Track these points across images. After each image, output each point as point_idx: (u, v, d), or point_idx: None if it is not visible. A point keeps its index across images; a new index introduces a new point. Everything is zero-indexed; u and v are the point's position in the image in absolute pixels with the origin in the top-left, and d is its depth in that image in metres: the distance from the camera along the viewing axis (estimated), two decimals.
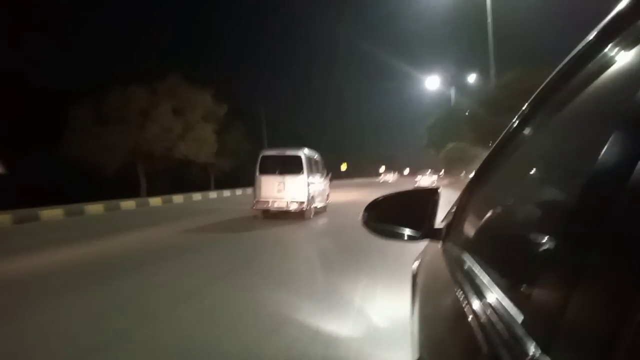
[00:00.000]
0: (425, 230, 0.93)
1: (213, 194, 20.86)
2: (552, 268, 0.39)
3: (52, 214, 10.88)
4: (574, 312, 0.31)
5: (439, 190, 0.98)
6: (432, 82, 27.83)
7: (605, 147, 0.33)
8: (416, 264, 1.28)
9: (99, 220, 10.36)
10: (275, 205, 8.75)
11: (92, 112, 17.99)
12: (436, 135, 28.73)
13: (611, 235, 0.29)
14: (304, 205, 8.68)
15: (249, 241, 6.32)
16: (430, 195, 0.96)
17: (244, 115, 28.54)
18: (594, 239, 0.30)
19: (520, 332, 0.39)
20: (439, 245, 0.99)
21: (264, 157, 9.05)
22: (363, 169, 67.46)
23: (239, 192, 23.29)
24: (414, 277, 1.23)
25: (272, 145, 20.00)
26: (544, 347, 0.34)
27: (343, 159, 46.76)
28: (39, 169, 17.67)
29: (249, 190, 22.14)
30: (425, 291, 0.97)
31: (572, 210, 0.37)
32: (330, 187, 11.56)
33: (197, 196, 18.49)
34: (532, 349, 0.35)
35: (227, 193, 22.29)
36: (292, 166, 8.84)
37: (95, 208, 12.40)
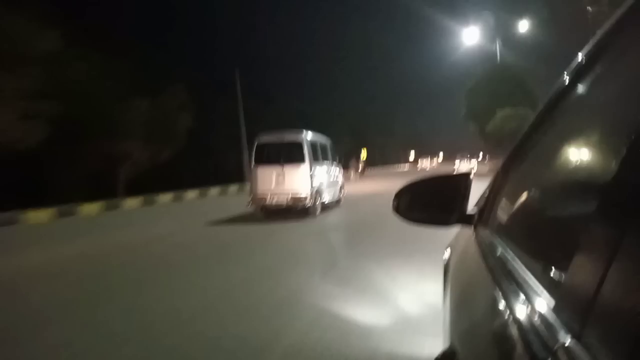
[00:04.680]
0: (456, 215, 1.09)
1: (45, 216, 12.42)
2: (585, 252, 0.43)
3: None
4: (606, 299, 0.35)
5: (470, 175, 1.12)
6: (471, 35, 26.86)
7: None
8: (448, 251, 1.46)
9: None
10: (275, 200, 8.81)
11: None
12: (479, 103, 27.12)
13: None
14: (307, 201, 8.70)
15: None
16: (461, 180, 1.12)
17: (211, 84, 24.13)
18: (629, 222, 0.34)
19: (552, 318, 0.45)
20: (471, 231, 1.15)
21: (260, 145, 9.11)
22: (387, 156, 67.06)
23: (132, 202, 15.80)
24: (446, 264, 1.40)
25: (253, 128, 16.32)
26: (575, 334, 0.38)
27: (363, 143, 46.04)
28: None
29: (166, 198, 17.17)
30: (457, 278, 1.13)
31: (610, 190, 0.41)
32: (361, 177, 10.81)
33: None
34: (563, 335, 0.40)
35: (93, 208, 14.03)
36: (292, 154, 8.87)
37: None
